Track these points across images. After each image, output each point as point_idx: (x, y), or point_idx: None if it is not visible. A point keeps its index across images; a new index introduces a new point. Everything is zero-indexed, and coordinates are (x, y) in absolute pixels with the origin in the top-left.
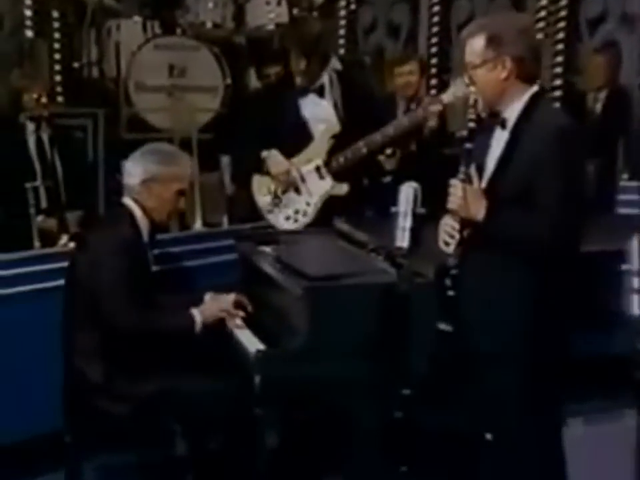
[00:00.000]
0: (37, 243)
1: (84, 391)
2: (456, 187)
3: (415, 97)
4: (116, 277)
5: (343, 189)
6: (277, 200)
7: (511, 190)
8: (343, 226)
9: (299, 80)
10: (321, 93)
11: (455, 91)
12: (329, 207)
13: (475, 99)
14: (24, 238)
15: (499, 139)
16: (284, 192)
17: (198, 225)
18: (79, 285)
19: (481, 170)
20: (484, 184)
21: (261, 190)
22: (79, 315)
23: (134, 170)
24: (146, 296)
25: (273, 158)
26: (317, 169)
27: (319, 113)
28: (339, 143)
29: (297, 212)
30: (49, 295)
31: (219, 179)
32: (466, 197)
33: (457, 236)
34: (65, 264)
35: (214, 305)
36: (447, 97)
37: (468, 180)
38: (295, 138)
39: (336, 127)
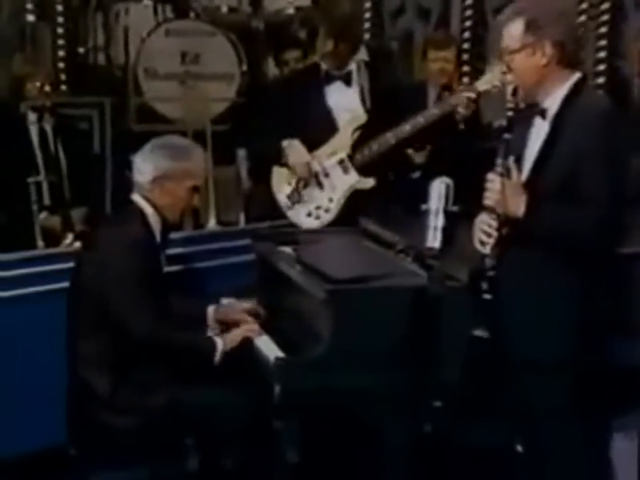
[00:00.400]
0: (39, 242)
1: (89, 402)
2: (493, 182)
3: (448, 86)
4: (128, 279)
5: (369, 183)
6: (297, 195)
7: (553, 183)
8: (369, 225)
9: (324, 66)
10: (347, 80)
11: (490, 78)
12: (353, 204)
13: (515, 87)
14: (26, 237)
15: (539, 130)
16: (305, 186)
17: (212, 224)
18: (85, 288)
19: (519, 163)
20: (524, 177)
21: (281, 183)
22: (85, 321)
23: (144, 167)
24: (159, 300)
25: (294, 148)
26: (341, 162)
27: (345, 102)
28: (365, 135)
29: (318, 208)
30: (53, 298)
31: (234, 174)
32: (504, 191)
33: (495, 234)
34: (70, 265)
35: (237, 331)
36: (481, 84)
37: (506, 173)
38: (318, 128)
39: (362, 118)
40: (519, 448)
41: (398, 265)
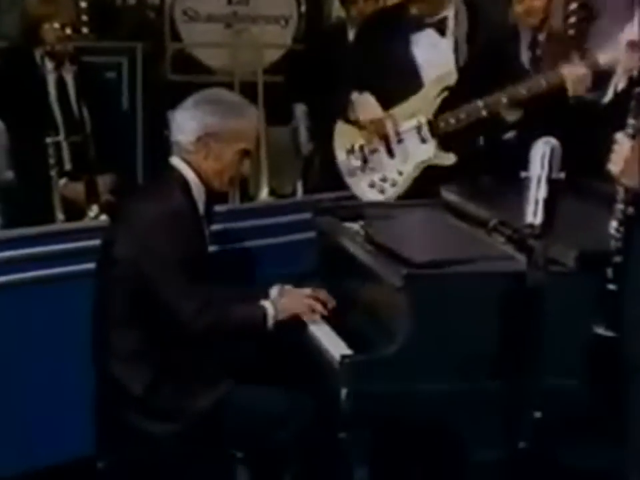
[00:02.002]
0: (59, 215)
1: (121, 405)
2: (621, 145)
3: (542, 27)
4: (170, 259)
5: (448, 159)
6: (361, 160)
7: None
8: (453, 197)
9: (413, 9)
10: (441, 29)
11: (616, 55)
12: (427, 179)
13: None
14: (43, 208)
15: None
16: (373, 151)
17: (264, 195)
18: (116, 270)
19: None
20: None
21: (343, 143)
22: (116, 309)
23: (187, 124)
24: (205, 284)
25: (365, 103)
26: (419, 128)
27: (435, 55)
28: (453, 98)
29: (384, 180)
30: (76, 282)
31: (291, 135)
32: (634, 158)
33: (621, 209)
34: (96, 242)
35: (290, 298)
36: (604, 57)
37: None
38: (397, 83)
39: (452, 77)
40: None
41: (490, 246)
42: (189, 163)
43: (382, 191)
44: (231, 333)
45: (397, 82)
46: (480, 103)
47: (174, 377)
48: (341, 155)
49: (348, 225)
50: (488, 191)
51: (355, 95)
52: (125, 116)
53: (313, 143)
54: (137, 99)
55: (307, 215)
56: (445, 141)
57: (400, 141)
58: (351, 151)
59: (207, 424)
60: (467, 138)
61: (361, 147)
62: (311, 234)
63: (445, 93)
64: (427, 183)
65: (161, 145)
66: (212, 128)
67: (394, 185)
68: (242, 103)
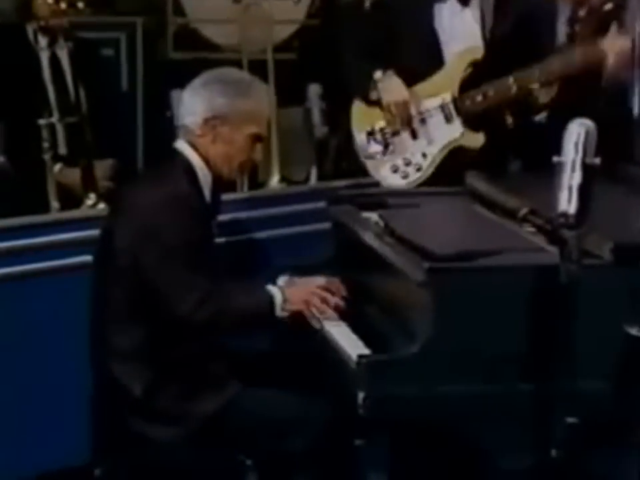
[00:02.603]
0: (54, 204)
1: (120, 407)
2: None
3: (584, 2)
4: (174, 251)
5: (477, 141)
6: (382, 143)
7: None
8: (479, 184)
9: None
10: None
11: None
12: (454, 162)
13: None
14: (36, 196)
15: None
16: (394, 133)
17: (275, 182)
18: (116, 263)
19: None
20: None
21: (362, 124)
22: (116, 304)
23: (194, 104)
24: (210, 278)
25: (389, 82)
26: (444, 106)
27: (459, 27)
28: (479, 74)
29: (408, 164)
30: (72, 276)
31: (304, 117)
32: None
33: None
34: (95, 232)
35: (300, 286)
36: None
37: None
38: (418, 59)
39: (478, 51)
40: None
41: (519, 237)
42: (195, 148)
43: (405, 176)
44: (236, 324)
45: (418, 56)
46: (510, 79)
47: (177, 377)
48: (359, 138)
49: (366, 214)
50: (517, 177)
51: (378, 74)
52: (124, 96)
53: (327, 125)
54: (136, 78)
55: (321, 204)
56: (471, 121)
57: (423, 120)
58: (371, 133)
59: (212, 429)
60: (494, 118)
61: (382, 129)
62: (325, 225)
63: (470, 69)
64: (453, 167)
65: (163, 127)
66: (220, 110)
67: (419, 169)
68: (254, 83)
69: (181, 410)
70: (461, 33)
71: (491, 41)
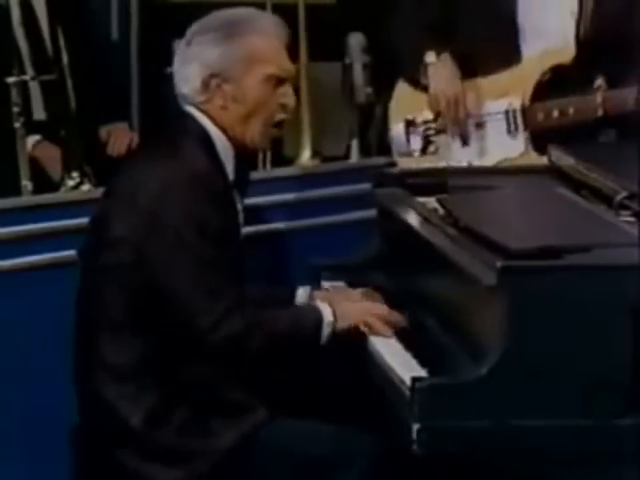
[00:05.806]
0: (26, 183)
1: (112, 440)
2: None
3: None
4: (190, 246)
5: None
6: (422, 139)
7: None
8: (566, 161)
9: None
10: None
11: None
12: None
13: None
14: (4, 175)
15: None
16: (439, 131)
17: (305, 158)
18: (111, 257)
19: None
20: None
21: (402, 110)
22: (109, 310)
23: (184, 68)
24: (238, 280)
25: (443, 68)
26: (509, 114)
27: (545, 20)
28: (563, 80)
29: None
30: (52, 276)
31: (343, 75)
32: None
33: None
34: (78, 221)
35: (357, 306)
36: None
37: None
38: (489, 50)
39: (567, 52)
40: None
41: (616, 227)
42: (205, 113)
43: None
44: (268, 345)
45: (487, 43)
46: (598, 98)
47: (186, 404)
48: (396, 126)
49: (421, 199)
50: (613, 150)
51: (430, 56)
52: (114, 48)
53: (372, 86)
54: (130, 27)
55: (364, 186)
56: (538, 140)
57: (480, 125)
58: (411, 124)
59: (228, 469)
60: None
61: (426, 122)
62: (369, 212)
63: (550, 74)
64: None
65: (162, 87)
66: (215, 63)
67: None
68: (252, 17)
69: (188, 445)
70: (546, 26)
71: (585, 41)
